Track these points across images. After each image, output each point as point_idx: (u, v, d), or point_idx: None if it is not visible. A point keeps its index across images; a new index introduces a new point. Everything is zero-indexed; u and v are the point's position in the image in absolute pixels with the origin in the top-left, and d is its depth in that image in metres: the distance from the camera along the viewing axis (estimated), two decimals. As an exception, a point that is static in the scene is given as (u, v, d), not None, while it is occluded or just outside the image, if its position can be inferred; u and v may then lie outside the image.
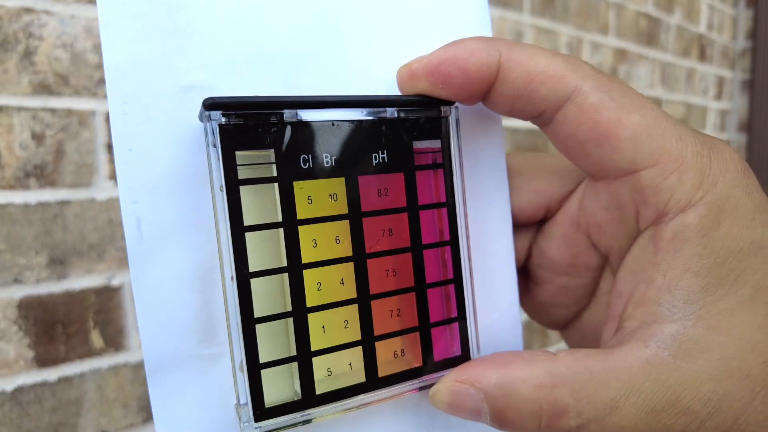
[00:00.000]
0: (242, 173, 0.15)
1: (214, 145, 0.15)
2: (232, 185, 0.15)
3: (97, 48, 0.48)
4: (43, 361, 0.48)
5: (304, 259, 0.16)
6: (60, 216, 0.48)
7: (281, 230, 0.15)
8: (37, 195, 0.47)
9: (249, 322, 0.15)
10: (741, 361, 0.15)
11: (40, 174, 0.47)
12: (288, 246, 0.16)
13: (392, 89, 0.18)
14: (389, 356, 0.17)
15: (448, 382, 0.17)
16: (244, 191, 0.15)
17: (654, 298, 0.16)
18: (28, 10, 0.45)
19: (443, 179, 0.18)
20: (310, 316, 0.16)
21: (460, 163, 0.18)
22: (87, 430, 0.50)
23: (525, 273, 0.23)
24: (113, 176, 0.50)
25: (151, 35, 0.15)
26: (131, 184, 0.15)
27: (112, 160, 0.50)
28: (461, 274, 0.18)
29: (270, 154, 0.15)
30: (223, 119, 0.15)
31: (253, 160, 0.15)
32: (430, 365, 0.18)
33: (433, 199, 0.18)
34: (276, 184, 0.15)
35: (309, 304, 0.16)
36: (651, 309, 0.16)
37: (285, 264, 0.16)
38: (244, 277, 0.15)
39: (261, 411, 0.15)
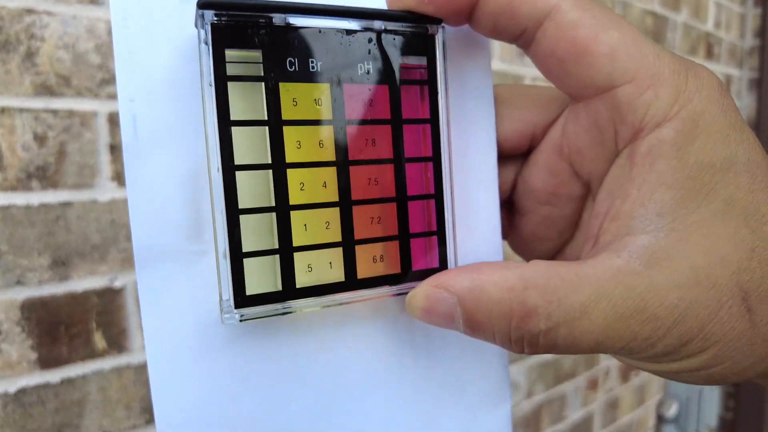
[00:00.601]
0: (231, 70, 0.16)
1: (206, 42, 0.15)
2: (221, 81, 0.15)
3: (99, 48, 0.48)
4: (46, 362, 0.48)
5: (288, 159, 0.17)
6: (62, 217, 0.48)
7: (266, 129, 0.16)
8: (39, 196, 0.47)
9: (234, 211, 0.16)
10: (709, 270, 0.16)
11: (43, 175, 0.47)
12: (273, 144, 0.16)
13: (381, 7, 0.19)
14: (368, 260, 0.18)
15: (423, 287, 0.18)
16: (232, 88, 0.16)
17: (628, 212, 0.17)
18: (30, 11, 0.45)
19: (428, 96, 0.18)
20: (293, 213, 0.17)
21: (446, 82, 0.19)
22: (90, 431, 0.50)
23: (510, 206, 0.23)
24: (115, 177, 0.50)
25: None
26: (129, 84, 0.16)
27: (114, 161, 0.50)
28: (442, 190, 0.19)
29: (258, 54, 0.16)
30: (215, 18, 0.15)
31: (241, 59, 0.16)
32: (408, 274, 0.19)
33: (417, 115, 0.18)
34: (262, 84, 0.16)
35: (292, 201, 0.17)
36: (625, 222, 0.17)
37: (269, 161, 0.16)
38: (229, 169, 0.16)
39: (242, 298, 0.16)
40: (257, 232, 0.16)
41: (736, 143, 0.16)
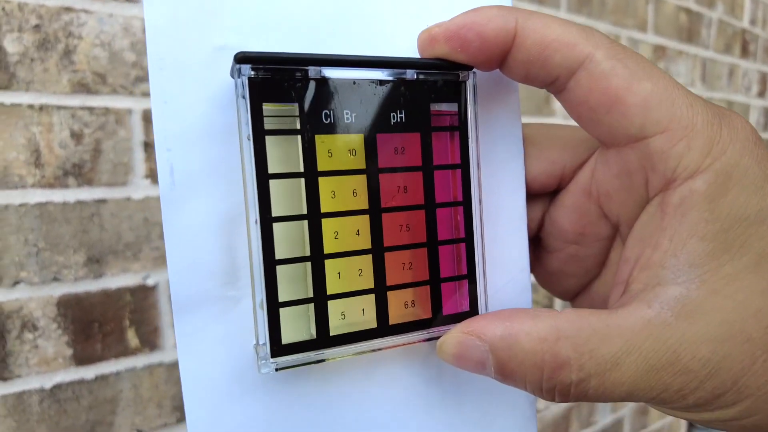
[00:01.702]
0: (268, 124, 0.16)
1: (243, 97, 0.16)
2: (259, 135, 0.16)
3: (134, 46, 0.49)
4: (81, 359, 0.49)
5: (323, 209, 0.17)
6: (97, 215, 0.49)
7: (303, 180, 0.17)
8: (75, 193, 0.48)
9: (270, 262, 0.16)
10: (742, 324, 0.16)
11: (79, 172, 0.48)
12: (308, 195, 0.17)
13: (411, 54, 0.19)
14: (400, 306, 0.19)
15: (454, 333, 0.18)
16: (270, 141, 0.16)
17: (659, 262, 0.17)
18: (68, 9, 0.46)
19: (459, 142, 0.19)
20: (327, 262, 0.17)
21: (476, 127, 0.19)
22: (122, 429, 0.51)
23: (537, 242, 0.24)
24: (149, 175, 0.51)
25: None
26: (166, 134, 0.16)
27: (148, 159, 0.51)
28: (472, 234, 0.19)
29: (294, 107, 0.17)
30: (252, 72, 0.16)
31: (278, 113, 0.16)
32: (438, 318, 0.19)
33: (447, 161, 0.19)
34: (299, 137, 0.17)
35: (326, 251, 0.17)
36: (656, 272, 0.17)
37: (305, 212, 0.17)
38: (267, 221, 0.16)
39: (278, 347, 0.17)
40: (292, 282, 0.17)
41: None
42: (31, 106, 0.45)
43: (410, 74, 0.18)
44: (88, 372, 0.49)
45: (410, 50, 0.19)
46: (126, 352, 0.51)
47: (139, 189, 0.50)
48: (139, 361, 0.51)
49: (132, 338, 0.51)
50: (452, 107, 0.19)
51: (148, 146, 0.51)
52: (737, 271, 0.16)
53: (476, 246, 0.19)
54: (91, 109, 0.48)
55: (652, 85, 0.17)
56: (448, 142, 0.19)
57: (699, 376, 0.16)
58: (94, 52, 0.47)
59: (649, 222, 0.18)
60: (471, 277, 0.19)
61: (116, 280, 0.50)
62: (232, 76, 0.17)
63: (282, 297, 0.17)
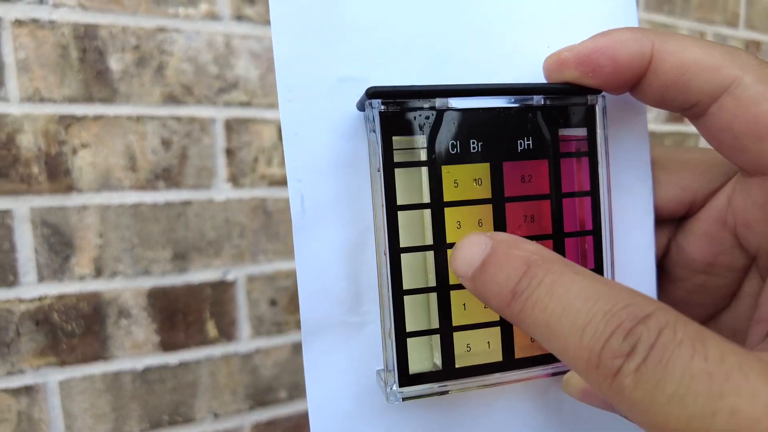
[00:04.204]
0: (397, 157, 0.16)
1: (374, 131, 0.16)
2: (389, 167, 0.16)
3: (217, 60, 0.53)
4: (166, 345, 0.53)
5: (449, 239, 0.17)
6: (183, 215, 0.53)
7: (428, 211, 0.17)
8: (164, 195, 0.52)
9: (398, 293, 0.16)
10: None
11: (167, 176, 0.52)
12: (435, 226, 0.17)
13: (533, 79, 0.19)
14: (526, 340, 0.18)
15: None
16: (398, 173, 0.16)
17: None
18: (162, 30, 0.51)
19: (587, 168, 0.18)
20: (453, 293, 0.17)
21: (606, 152, 0.18)
22: (201, 411, 0.55)
23: (660, 270, 0.22)
24: (230, 179, 0.54)
25: (314, 31, 0.17)
26: (296, 165, 0.17)
27: (229, 164, 0.54)
28: (602, 264, 0.18)
29: (422, 139, 0.16)
30: (383, 107, 0.16)
31: (406, 145, 0.16)
32: None
33: (575, 188, 0.18)
34: (425, 168, 0.17)
35: (452, 281, 0.17)
36: None
37: (431, 242, 0.17)
38: (395, 251, 0.16)
39: (405, 377, 0.17)
40: (417, 312, 0.17)
41: None
42: (129, 117, 0.50)
43: (537, 100, 0.17)
44: (173, 358, 0.53)
45: (531, 74, 0.18)
46: (205, 341, 0.55)
47: (221, 192, 0.54)
48: (217, 350, 0.55)
49: (211, 329, 0.55)
50: (579, 132, 0.18)
51: (230, 153, 0.54)
52: None
53: (606, 275, 0.18)
54: (178, 119, 0.52)
55: None
56: (575, 168, 0.18)
57: None
58: (182, 66, 0.51)
59: None
60: None
61: (199, 274, 0.54)
62: (359, 108, 0.17)
63: (409, 327, 0.17)
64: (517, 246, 0.15)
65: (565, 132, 0.18)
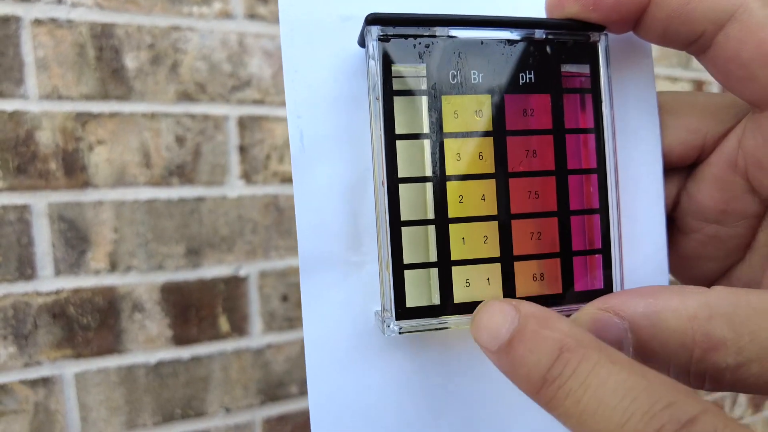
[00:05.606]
0: (396, 85, 0.16)
1: (373, 58, 0.16)
2: (387, 95, 0.16)
3: (230, 58, 0.54)
4: (179, 339, 0.53)
5: (448, 172, 0.16)
6: (196, 211, 0.53)
7: (428, 141, 0.16)
8: (178, 191, 0.53)
9: (396, 223, 0.16)
10: None
11: (181, 173, 0.52)
12: (433, 157, 0.16)
13: (536, 16, 0.18)
14: (528, 278, 0.17)
15: (589, 309, 0.16)
16: (396, 103, 0.16)
17: None
18: (176, 28, 0.52)
19: (590, 105, 0.17)
20: (451, 227, 0.17)
21: (610, 91, 0.18)
22: (213, 405, 0.55)
23: (670, 222, 0.21)
24: (243, 176, 0.55)
25: None
26: (296, 101, 0.17)
27: (242, 161, 0.54)
28: (607, 205, 0.18)
29: (422, 68, 0.16)
30: (381, 33, 0.16)
31: (405, 74, 0.16)
32: (570, 295, 0.17)
33: (579, 125, 0.18)
34: (425, 97, 0.16)
35: (450, 215, 0.17)
36: None
37: (430, 174, 0.16)
38: (393, 181, 0.16)
39: (402, 310, 0.16)
40: (416, 246, 0.16)
41: None
42: (144, 115, 0.50)
43: (539, 34, 0.17)
44: (185, 352, 0.54)
45: (534, 12, 0.18)
46: (218, 336, 0.55)
47: (234, 188, 0.54)
48: (229, 345, 0.55)
49: (223, 324, 0.55)
50: (583, 69, 0.17)
51: (243, 150, 0.54)
52: None
53: (611, 218, 0.18)
54: (192, 116, 0.52)
55: None
56: (578, 106, 0.18)
57: None
58: (196, 64, 0.52)
59: None
60: (605, 252, 0.18)
61: (211, 270, 0.54)
62: (360, 45, 0.17)
63: (406, 259, 0.16)
64: (547, 324, 0.14)
65: (567, 68, 0.17)
